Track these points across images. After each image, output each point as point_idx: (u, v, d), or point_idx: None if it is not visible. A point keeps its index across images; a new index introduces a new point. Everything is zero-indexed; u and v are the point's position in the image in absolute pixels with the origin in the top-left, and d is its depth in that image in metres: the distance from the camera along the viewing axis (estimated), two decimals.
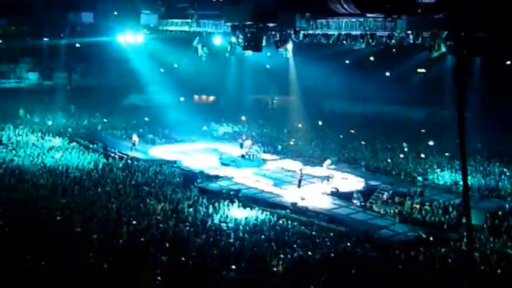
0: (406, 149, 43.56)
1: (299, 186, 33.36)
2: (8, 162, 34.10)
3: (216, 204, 27.99)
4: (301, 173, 33.97)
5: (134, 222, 24.03)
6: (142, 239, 21.88)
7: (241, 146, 41.16)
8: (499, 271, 20.99)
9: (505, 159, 40.29)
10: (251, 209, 28.56)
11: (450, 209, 29.33)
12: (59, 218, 23.91)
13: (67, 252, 19.07)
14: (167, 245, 21.27)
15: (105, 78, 58.48)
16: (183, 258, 19.61)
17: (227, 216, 26.53)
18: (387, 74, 56.31)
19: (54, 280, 16.73)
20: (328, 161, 36.58)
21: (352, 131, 51.33)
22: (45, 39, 49.97)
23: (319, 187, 34.43)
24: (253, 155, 40.45)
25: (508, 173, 37.37)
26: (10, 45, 52.30)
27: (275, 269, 19.67)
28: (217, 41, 41.24)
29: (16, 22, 45.21)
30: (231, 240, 22.73)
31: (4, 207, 24.94)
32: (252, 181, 35.32)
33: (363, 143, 46.54)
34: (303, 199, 30.91)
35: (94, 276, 16.95)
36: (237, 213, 27.40)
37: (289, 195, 32.35)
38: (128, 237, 22.02)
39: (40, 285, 16.82)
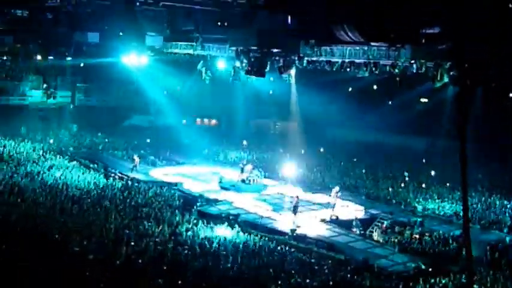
0: (407, 178, 43.48)
1: (295, 213, 33.08)
2: (8, 179, 34.05)
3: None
4: (297, 200, 33.75)
5: (132, 243, 23.92)
6: (140, 261, 21.75)
7: (242, 170, 41.07)
8: None
9: (505, 191, 40.16)
10: (250, 234, 28.44)
11: (450, 240, 29.17)
12: (56, 236, 23.84)
13: (64, 270, 18.99)
14: (165, 267, 21.14)
15: (109, 98, 58.65)
16: (180, 282, 19.47)
17: (225, 240, 26.40)
18: (390, 102, 56.42)
19: None
20: (337, 188, 36.39)
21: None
22: (50, 57, 50.17)
23: (319, 214, 34.29)
24: (253, 179, 40.32)
25: (508, 205, 37.21)
26: (15, 63, 52.55)
27: None
28: (221, 65, 41.41)
29: (22, 40, 45.39)
30: (229, 265, 22.59)
31: (2, 224, 24.90)
32: (252, 206, 35.17)
33: (363, 171, 46.48)
34: (298, 227, 30.62)
35: None
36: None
37: (287, 221, 32.18)
38: (125, 258, 21.91)
39: None
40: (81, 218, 27.52)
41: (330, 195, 36.30)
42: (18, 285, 17.49)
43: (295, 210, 32.92)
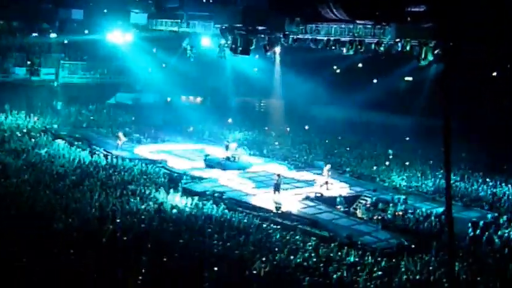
0: (391, 156, 43.77)
1: (277, 191, 33.24)
2: None
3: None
4: (279, 178, 33.90)
5: (118, 220, 23.97)
6: (125, 238, 21.82)
7: (227, 148, 41.13)
8: (479, 279, 21.15)
9: (487, 169, 40.53)
10: (234, 211, 28.60)
11: (433, 218, 29.48)
12: (41, 214, 23.81)
13: (49, 248, 18.99)
14: (149, 245, 21.20)
15: (93, 75, 58.20)
16: (164, 259, 19.56)
17: (210, 218, 26.53)
18: (374, 81, 56.59)
19: (34, 276, 16.64)
20: (328, 166, 36.61)
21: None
22: (34, 34, 49.71)
23: (303, 192, 34.50)
24: (238, 157, 40.41)
25: (490, 183, 37.58)
26: None
27: (255, 271, 19.69)
28: (206, 42, 41.27)
29: (5, 16, 44.91)
30: (214, 242, 22.73)
31: None
32: (237, 183, 35.32)
33: (348, 149, 46.72)
34: (280, 204, 30.67)
35: (75, 273, 16.88)
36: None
37: (271, 199, 32.33)
38: (110, 235, 21.95)
39: (20, 281, 16.74)
40: (65, 196, 27.47)
41: (322, 174, 36.54)
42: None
43: (277, 188, 33.11)
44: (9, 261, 17.66)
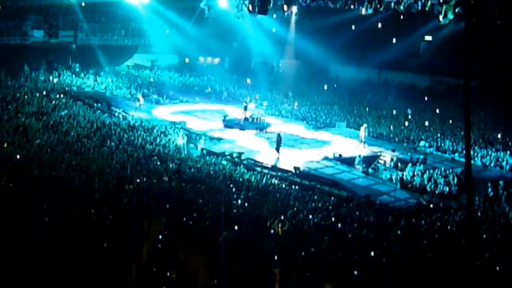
0: (410, 116, 43.53)
1: (277, 150, 33.50)
2: (13, 118, 34.12)
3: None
4: (280, 137, 34.10)
5: (138, 180, 24.10)
6: (144, 199, 21.97)
7: (246, 108, 41.10)
8: (499, 237, 21.10)
9: (507, 129, 40.11)
10: (253, 171, 28.71)
11: (452, 177, 29.38)
12: (62, 175, 24.03)
13: (70, 208, 19.17)
14: (168, 205, 21.31)
15: (111, 37, 58.17)
16: (184, 219, 19.71)
17: (229, 179, 26.65)
18: (394, 40, 56.01)
19: (55, 235, 16.84)
20: (365, 125, 36.67)
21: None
22: None
23: (322, 151, 34.49)
24: (257, 117, 40.39)
25: (510, 143, 37.27)
26: (16, 2, 52.01)
27: (273, 231, 19.78)
28: (224, 2, 40.97)
29: None
30: (234, 202, 22.84)
31: (7, 164, 25.01)
32: (255, 144, 35.37)
33: (367, 109, 46.49)
34: (297, 168, 30.70)
35: (96, 232, 17.07)
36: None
37: (289, 158, 32.36)
38: (130, 196, 22.09)
39: (42, 241, 16.97)
40: (86, 157, 27.69)
41: (358, 134, 36.57)
42: (20, 225, 17.65)
43: (277, 147, 33.33)
44: (30, 222, 17.89)
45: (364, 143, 35.73)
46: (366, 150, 34.75)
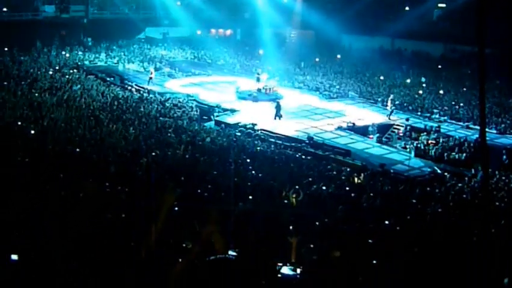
0: (424, 85, 43.29)
1: (276, 117, 34.06)
2: (27, 94, 34.18)
3: None
4: (278, 104, 34.60)
5: (153, 153, 24.16)
6: (159, 170, 22.02)
7: (258, 79, 40.99)
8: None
9: None
10: (267, 142, 28.74)
11: (466, 145, 29.28)
12: (77, 149, 24.10)
13: (84, 182, 19.23)
14: (182, 178, 21.35)
15: (122, 11, 58.04)
16: (198, 190, 19.76)
17: (243, 149, 26.68)
18: (407, 8, 55.47)
19: (70, 209, 16.94)
20: (391, 96, 36.62)
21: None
22: None
23: (335, 122, 34.45)
24: (270, 89, 40.28)
25: None
26: None
27: (286, 201, 19.84)
28: None
29: None
30: (249, 173, 22.87)
31: (21, 139, 25.08)
32: (268, 115, 35.35)
33: (381, 78, 46.24)
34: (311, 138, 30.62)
35: (111, 205, 17.14)
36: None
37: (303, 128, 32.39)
38: (145, 168, 22.15)
39: (56, 215, 17.07)
40: (100, 130, 27.75)
41: (386, 105, 36.41)
42: (34, 197, 17.71)
43: (277, 114, 33.95)
44: (46, 196, 17.98)
45: (392, 114, 35.49)
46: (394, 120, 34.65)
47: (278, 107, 34.22)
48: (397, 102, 38.38)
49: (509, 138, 32.18)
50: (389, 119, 34.98)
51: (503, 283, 6.29)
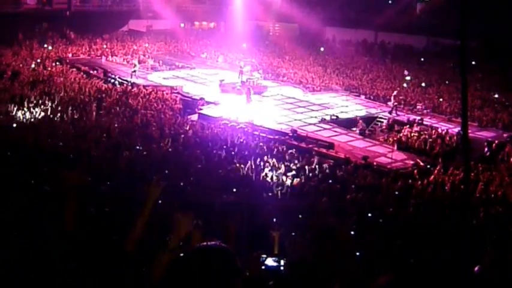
0: (407, 78, 43.49)
1: (248, 101, 35.45)
2: (8, 88, 33.92)
3: None
4: (249, 89, 36.01)
5: (138, 147, 24.08)
6: (142, 164, 21.98)
7: (241, 73, 40.91)
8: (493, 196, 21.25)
9: (503, 89, 40.10)
10: (251, 135, 28.76)
11: (448, 138, 29.48)
12: (59, 142, 23.97)
13: (66, 173, 19.12)
14: (166, 171, 21.30)
15: (105, 3, 57.76)
16: (181, 183, 19.76)
17: (228, 142, 26.68)
18: (389, 1, 55.66)
19: (50, 201, 16.87)
20: (395, 92, 36.59)
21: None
22: None
23: (318, 114, 34.58)
24: (254, 81, 40.27)
25: (507, 103, 37.35)
26: None
27: (270, 194, 19.91)
28: None
29: None
30: (231, 166, 22.88)
31: (4, 133, 24.89)
32: (252, 107, 35.42)
33: (363, 71, 46.41)
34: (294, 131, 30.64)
35: (95, 200, 17.11)
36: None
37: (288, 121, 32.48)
38: (128, 162, 22.10)
39: (35, 207, 17.00)
40: (84, 124, 27.63)
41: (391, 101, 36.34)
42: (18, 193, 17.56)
43: (247, 98, 35.35)
44: (34, 191, 17.90)
45: (395, 111, 35.54)
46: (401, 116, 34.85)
47: (248, 92, 35.62)
48: (381, 95, 38.59)
49: (490, 131, 32.43)
50: (392, 114, 34.90)
51: (474, 271, 6.40)
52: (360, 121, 32.80)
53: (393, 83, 42.47)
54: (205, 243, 4.10)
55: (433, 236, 15.54)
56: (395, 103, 35.65)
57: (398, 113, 35.34)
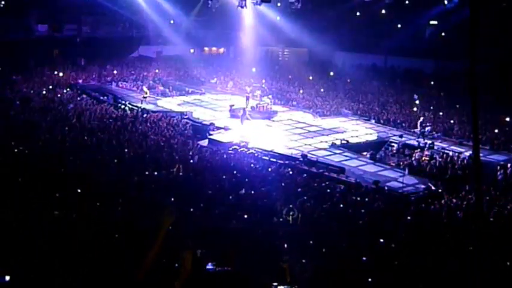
0: (417, 102, 43.39)
1: (242, 122, 36.41)
2: (20, 114, 34.05)
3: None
4: (244, 111, 37.06)
5: (146, 173, 24.05)
6: (153, 190, 21.91)
7: (247, 99, 40.78)
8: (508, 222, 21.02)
9: None
10: (262, 160, 28.71)
11: (460, 162, 29.31)
12: (71, 170, 23.95)
13: (78, 203, 19.13)
14: (172, 198, 21.12)
15: (115, 30, 58.19)
16: (191, 209, 19.66)
17: (238, 167, 26.62)
18: (399, 26, 55.72)
19: (64, 225, 16.83)
20: (421, 119, 36.27)
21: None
22: None
23: (329, 139, 34.52)
24: (263, 106, 40.33)
25: None
26: None
27: (281, 219, 19.76)
28: None
29: None
30: (243, 191, 22.77)
31: (15, 158, 24.90)
32: (262, 132, 35.41)
33: (375, 95, 46.38)
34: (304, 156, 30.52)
35: (104, 224, 17.04)
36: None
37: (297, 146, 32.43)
38: (138, 188, 22.04)
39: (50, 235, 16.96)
40: (94, 151, 27.57)
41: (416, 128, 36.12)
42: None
43: (241, 120, 36.24)
44: (40, 217, 17.85)
45: (424, 136, 35.07)
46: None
47: (243, 114, 36.95)
48: (391, 119, 38.49)
49: (502, 154, 32.23)
50: (420, 139, 34.54)
51: None
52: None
53: (403, 107, 42.38)
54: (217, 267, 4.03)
55: (445, 260, 15.38)
56: (423, 130, 35.26)
57: (410, 137, 35.18)
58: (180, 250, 5.45)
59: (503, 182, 27.04)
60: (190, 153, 28.52)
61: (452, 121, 38.28)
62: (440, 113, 40.41)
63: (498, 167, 28.13)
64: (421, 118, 36.70)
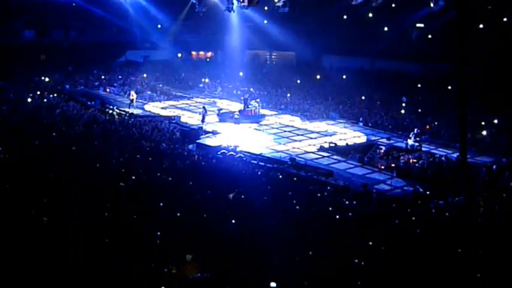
0: (404, 104, 43.54)
1: (203, 122, 37.24)
2: (7, 119, 33.85)
3: None
4: (204, 110, 38.03)
5: (133, 177, 23.97)
6: (142, 195, 21.85)
7: (245, 102, 40.77)
8: (494, 224, 21.10)
9: (504, 114, 40.03)
10: (249, 164, 28.69)
11: (447, 164, 29.43)
12: (59, 175, 23.85)
13: (67, 208, 19.06)
14: (161, 204, 21.06)
15: (102, 35, 58.05)
16: (178, 214, 19.63)
17: (226, 171, 26.60)
18: (385, 29, 55.91)
19: (53, 230, 16.76)
20: (416, 130, 36.01)
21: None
22: None
23: (317, 142, 34.58)
24: (251, 110, 40.35)
25: (506, 129, 37.31)
26: (5, 2, 51.73)
27: (271, 223, 19.75)
28: None
29: None
30: (231, 195, 22.75)
31: (3, 166, 24.75)
32: (250, 136, 35.42)
33: (363, 98, 46.49)
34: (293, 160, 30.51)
35: (94, 230, 17.00)
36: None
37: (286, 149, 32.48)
38: (128, 192, 21.97)
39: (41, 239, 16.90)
40: (82, 156, 27.46)
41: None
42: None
43: (203, 118, 37.47)
44: (28, 223, 17.78)
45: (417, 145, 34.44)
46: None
47: (204, 112, 38.08)
48: (379, 122, 38.62)
49: (489, 156, 32.38)
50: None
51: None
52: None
53: (390, 110, 42.52)
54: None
55: (435, 262, 15.44)
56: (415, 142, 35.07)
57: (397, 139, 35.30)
58: (178, 256, 5.48)
59: (485, 177, 27.16)
60: (180, 157, 28.48)
61: (437, 123, 38.43)
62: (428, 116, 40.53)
63: (484, 169, 28.26)
64: (415, 129, 36.10)
